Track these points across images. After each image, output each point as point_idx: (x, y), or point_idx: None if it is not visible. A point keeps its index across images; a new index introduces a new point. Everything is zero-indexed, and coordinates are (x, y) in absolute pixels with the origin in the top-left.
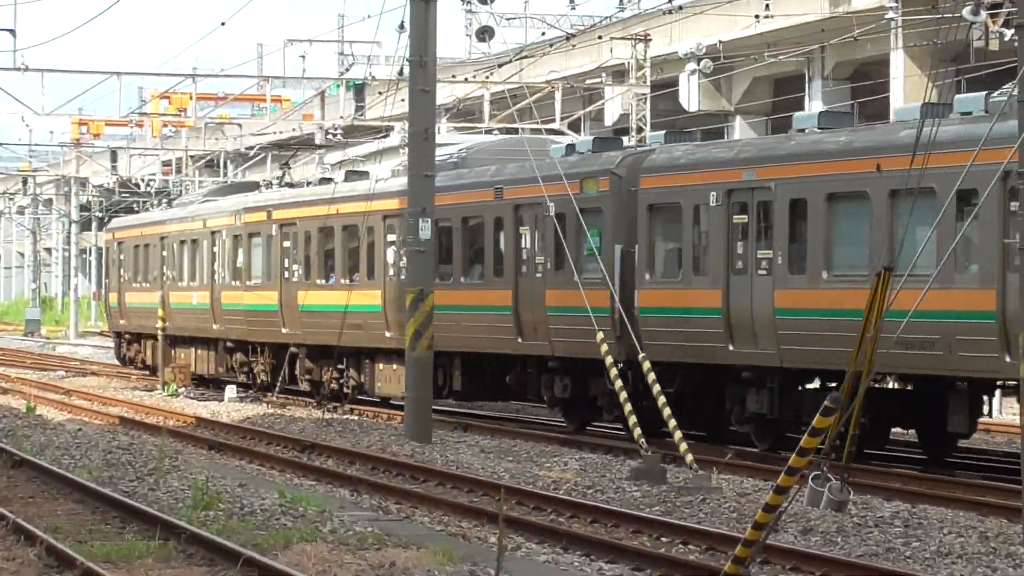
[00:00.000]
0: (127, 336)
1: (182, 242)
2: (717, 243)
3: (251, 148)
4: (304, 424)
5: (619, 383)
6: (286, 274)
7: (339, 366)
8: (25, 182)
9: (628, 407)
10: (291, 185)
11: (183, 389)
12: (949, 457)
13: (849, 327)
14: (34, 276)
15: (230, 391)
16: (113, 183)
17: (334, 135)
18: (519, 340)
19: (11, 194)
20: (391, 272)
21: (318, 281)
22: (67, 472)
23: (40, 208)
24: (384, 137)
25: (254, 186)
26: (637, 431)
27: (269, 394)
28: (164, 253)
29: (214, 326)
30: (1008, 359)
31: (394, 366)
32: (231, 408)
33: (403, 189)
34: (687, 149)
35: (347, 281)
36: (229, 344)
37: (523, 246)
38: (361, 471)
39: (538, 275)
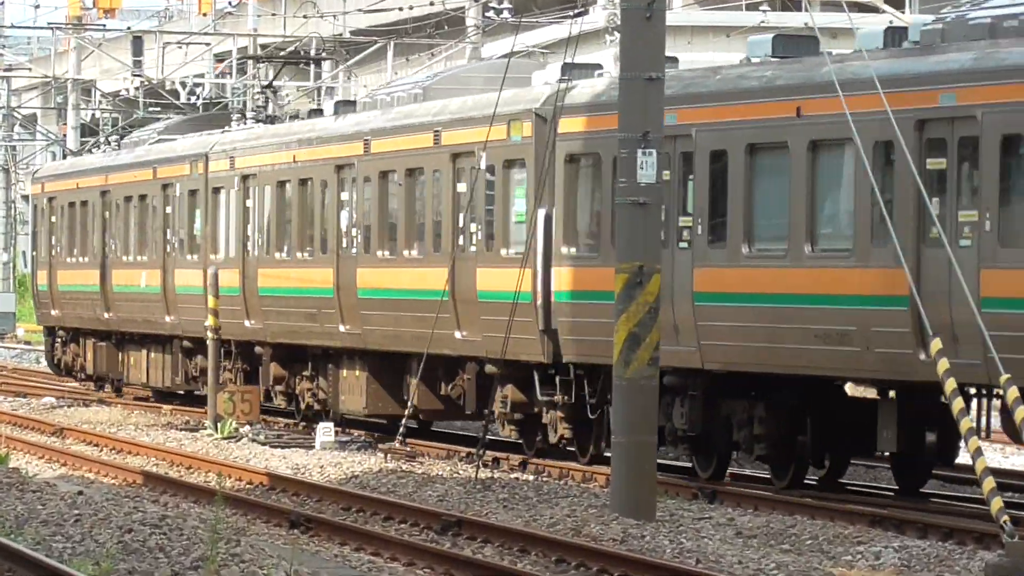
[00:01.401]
0: (61, 333)
1: (127, 199)
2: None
3: (359, 34)
4: (446, 486)
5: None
6: (248, 245)
7: (304, 372)
8: None
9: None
10: (270, 120)
11: (247, 427)
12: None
13: (768, 316)
14: (6, 243)
15: (324, 431)
16: (135, 89)
17: (498, 12)
18: (457, 335)
19: None
20: (344, 243)
21: (276, 255)
22: (61, 564)
23: (17, 131)
24: (580, 15)
25: (226, 120)
26: (996, 502)
27: (393, 442)
28: (106, 214)
29: (167, 318)
30: (923, 357)
31: (356, 372)
32: (326, 459)
33: (358, 130)
34: (610, 82)
35: (302, 255)
36: (187, 344)
37: (459, 210)
38: (540, 566)
39: (472, 249)
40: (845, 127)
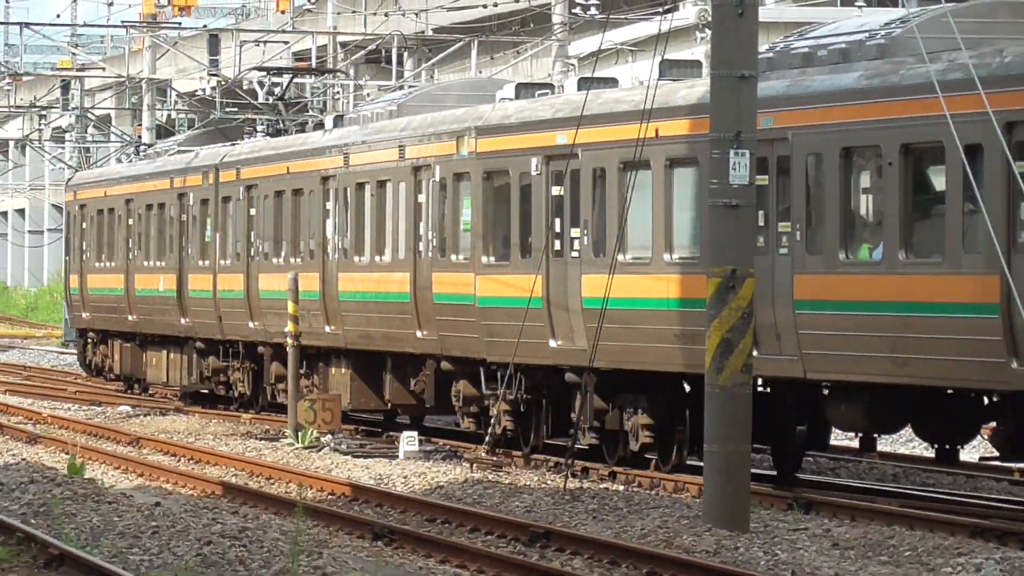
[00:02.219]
0: (92, 335)
1: (148, 207)
2: (539, 219)
3: (441, 31)
4: (534, 497)
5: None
6: (252, 251)
7: (300, 371)
8: (66, 88)
9: None
10: (277, 133)
11: (329, 436)
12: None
13: (638, 319)
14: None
15: (408, 440)
16: (212, 89)
17: (585, 9)
18: (417, 335)
19: (42, 109)
20: (329, 250)
21: (273, 261)
22: None
23: (90, 132)
24: (670, 11)
25: (238, 133)
26: None
27: (476, 448)
28: (130, 221)
29: (182, 320)
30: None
31: (342, 370)
32: (409, 469)
33: (339, 144)
34: (520, 105)
35: (295, 261)
36: (200, 345)
37: (420, 219)
38: None
39: (429, 255)
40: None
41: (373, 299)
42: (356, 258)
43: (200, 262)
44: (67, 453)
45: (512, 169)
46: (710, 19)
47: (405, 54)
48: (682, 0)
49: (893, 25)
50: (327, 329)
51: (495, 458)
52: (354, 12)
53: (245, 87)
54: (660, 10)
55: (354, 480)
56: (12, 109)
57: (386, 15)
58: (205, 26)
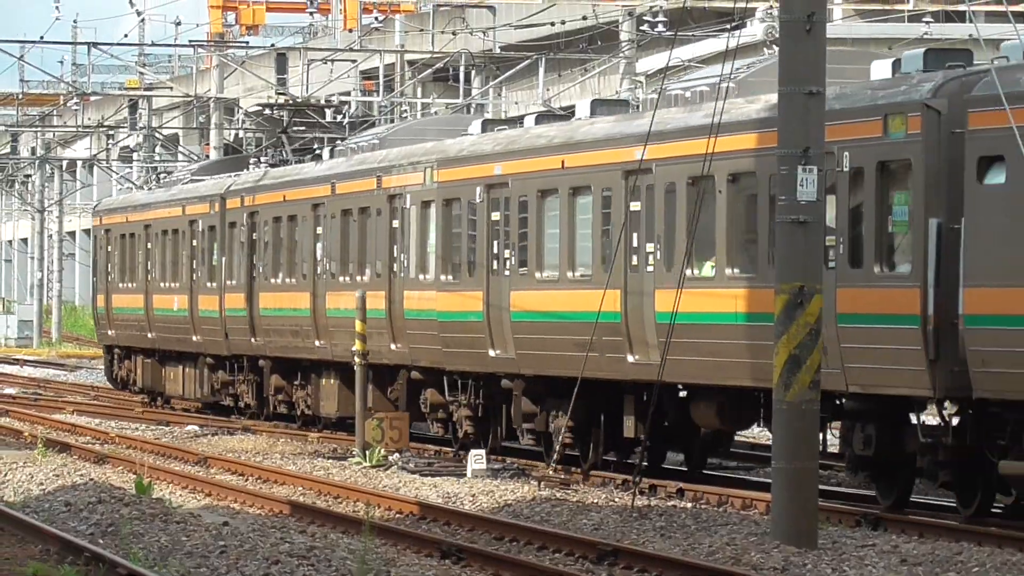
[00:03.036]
0: (118, 351)
1: (163, 232)
2: (481, 240)
3: (509, 49)
4: (602, 515)
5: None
6: (254, 273)
7: (294, 381)
8: (134, 108)
9: None
10: (283, 163)
11: (396, 455)
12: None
13: (544, 329)
14: None
15: (476, 459)
16: (280, 108)
17: (653, 26)
18: (392, 347)
19: (110, 128)
20: (319, 270)
21: (272, 281)
22: None
23: (158, 151)
24: (737, 27)
25: (244, 164)
26: None
27: (542, 466)
28: (148, 245)
29: (194, 337)
30: (631, 359)
31: (331, 381)
32: (477, 487)
33: (327, 174)
34: (475, 139)
35: (290, 281)
36: (210, 360)
37: (394, 242)
38: None
39: (402, 275)
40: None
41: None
42: (341, 278)
43: (209, 284)
44: (135, 473)
45: (464, 196)
46: (778, 35)
47: (473, 72)
48: (750, 17)
49: None
50: (317, 344)
51: (562, 476)
52: (422, 30)
53: (314, 105)
54: (728, 27)
55: (422, 499)
56: (80, 129)
57: (454, 33)
58: (273, 45)
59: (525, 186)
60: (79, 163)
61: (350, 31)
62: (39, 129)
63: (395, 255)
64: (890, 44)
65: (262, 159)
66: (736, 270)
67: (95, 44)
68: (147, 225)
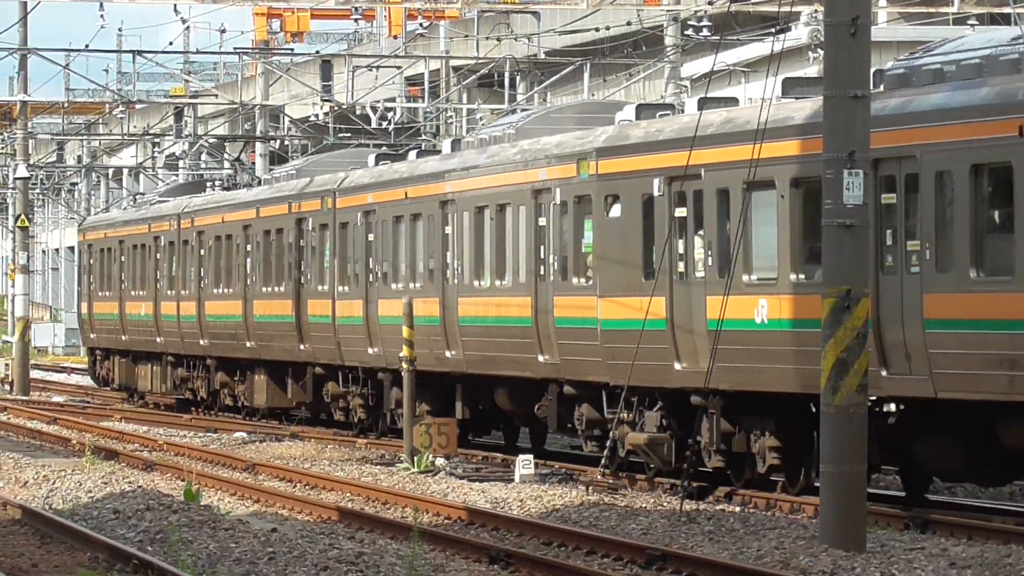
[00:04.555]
0: (99, 352)
1: (134, 247)
2: (361, 256)
3: (554, 54)
4: (650, 519)
5: None
6: (201, 283)
7: (235, 377)
8: (179, 116)
9: None
10: (235, 187)
11: (443, 460)
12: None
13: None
14: None
15: (524, 464)
16: (325, 115)
17: (697, 30)
18: (301, 347)
19: (155, 136)
20: (248, 282)
21: (213, 291)
22: None
23: (203, 159)
24: (782, 31)
25: (201, 187)
26: None
27: (592, 471)
28: (122, 258)
29: (158, 339)
30: (541, 358)
31: (262, 376)
32: (526, 492)
33: (251, 200)
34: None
35: (220, 291)
36: (171, 359)
37: (302, 259)
38: None
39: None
40: None
41: (272, 320)
42: (264, 288)
43: (170, 291)
44: (183, 480)
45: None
46: (823, 39)
47: (517, 78)
48: (795, 21)
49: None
50: (248, 344)
51: (610, 480)
52: (466, 36)
53: (358, 112)
54: (773, 31)
55: (470, 504)
56: (126, 137)
57: (498, 39)
58: (317, 52)
59: (387, 211)
60: (125, 171)
61: (395, 37)
62: (85, 137)
63: (301, 270)
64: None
65: (217, 183)
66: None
67: (140, 52)
68: (121, 241)
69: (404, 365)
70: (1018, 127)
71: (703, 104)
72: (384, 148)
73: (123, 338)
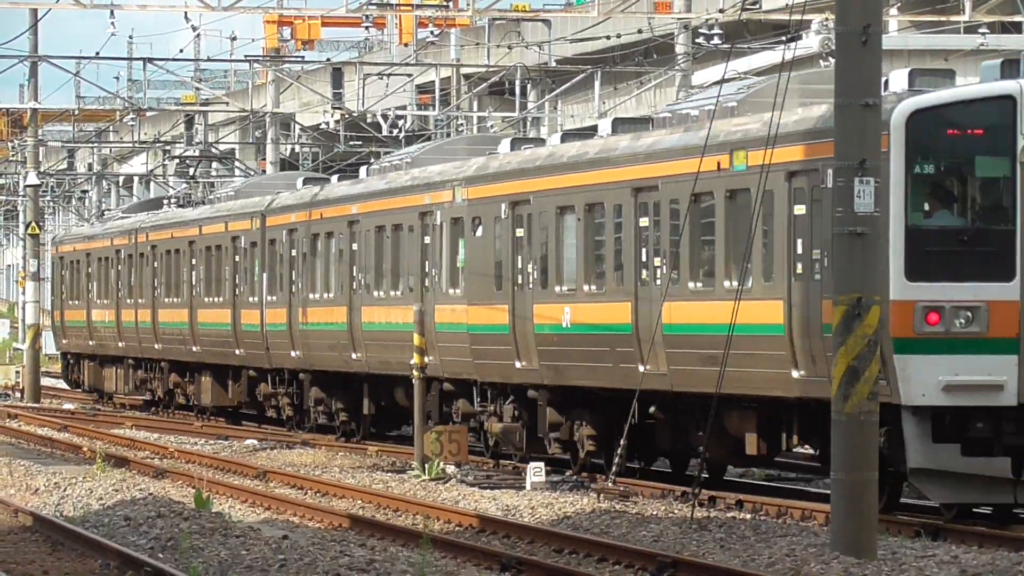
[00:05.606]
0: (70, 357)
1: (99, 259)
2: (286, 270)
3: (565, 63)
4: (661, 526)
5: None
6: (154, 293)
7: (186, 379)
8: (190, 123)
9: None
10: (187, 204)
11: (454, 467)
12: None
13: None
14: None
15: (535, 471)
16: (336, 123)
17: (708, 38)
18: (236, 352)
19: (166, 144)
20: (194, 292)
21: (166, 300)
22: None
23: (214, 167)
24: (793, 40)
25: (159, 204)
26: None
27: (603, 478)
28: (89, 270)
29: (119, 344)
30: (427, 359)
31: (207, 378)
32: (537, 500)
33: (194, 218)
34: (299, 194)
35: (169, 300)
36: (131, 362)
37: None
38: None
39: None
40: None
41: (223, 328)
42: (208, 299)
43: (129, 300)
44: (194, 487)
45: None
46: (833, 47)
47: (528, 85)
48: (805, 29)
49: None
50: (194, 349)
51: (622, 488)
52: (477, 44)
53: (369, 120)
54: (784, 39)
55: (481, 511)
56: (136, 144)
57: (509, 47)
58: (328, 60)
59: (306, 230)
60: (136, 179)
61: (406, 45)
62: (95, 145)
63: (236, 282)
64: (946, 56)
65: (171, 201)
66: None
67: (151, 60)
68: (88, 254)
69: (415, 372)
70: (716, 163)
71: (566, 137)
72: (310, 172)
73: (91, 343)
